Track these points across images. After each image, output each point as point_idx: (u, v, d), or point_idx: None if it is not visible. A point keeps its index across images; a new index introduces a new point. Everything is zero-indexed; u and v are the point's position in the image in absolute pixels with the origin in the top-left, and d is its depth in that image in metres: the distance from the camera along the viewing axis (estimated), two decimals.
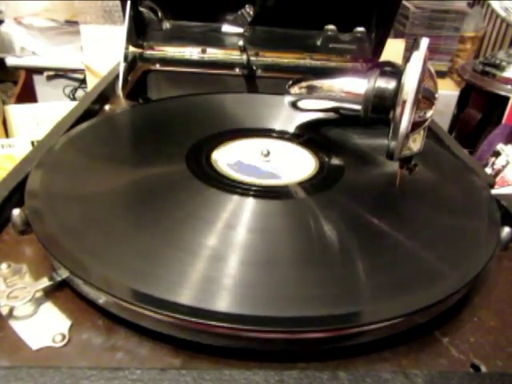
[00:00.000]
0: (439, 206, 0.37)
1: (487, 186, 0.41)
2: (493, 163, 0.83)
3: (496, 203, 0.38)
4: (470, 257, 0.31)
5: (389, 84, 0.38)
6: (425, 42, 0.34)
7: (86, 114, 0.50)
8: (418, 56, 0.33)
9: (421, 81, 0.33)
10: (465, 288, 0.28)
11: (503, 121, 0.91)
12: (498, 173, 0.80)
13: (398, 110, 0.34)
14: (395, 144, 0.35)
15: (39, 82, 1.14)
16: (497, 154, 0.83)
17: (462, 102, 1.09)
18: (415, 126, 0.35)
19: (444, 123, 1.07)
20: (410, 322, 0.26)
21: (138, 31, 0.61)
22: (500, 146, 0.83)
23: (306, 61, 0.63)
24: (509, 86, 0.96)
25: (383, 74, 0.39)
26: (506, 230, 0.35)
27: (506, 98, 0.92)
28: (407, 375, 0.22)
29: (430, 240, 0.32)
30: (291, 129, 0.48)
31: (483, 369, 0.25)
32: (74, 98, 1.12)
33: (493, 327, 0.28)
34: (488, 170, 0.79)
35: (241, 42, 0.60)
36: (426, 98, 0.35)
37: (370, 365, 0.25)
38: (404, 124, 0.34)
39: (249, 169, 0.39)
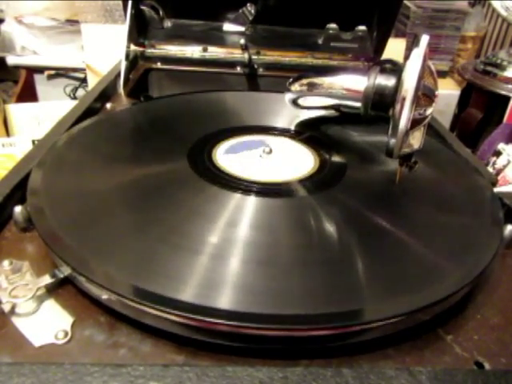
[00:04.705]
0: (442, 204, 0.37)
1: (490, 184, 0.40)
2: (494, 163, 0.83)
3: (499, 201, 0.38)
4: (473, 254, 0.31)
5: (389, 81, 0.38)
6: (425, 39, 0.34)
7: (88, 112, 0.50)
8: (418, 53, 0.33)
9: (420, 78, 0.33)
10: (468, 286, 0.28)
11: (504, 120, 0.91)
12: (498, 172, 0.80)
13: (398, 107, 0.34)
14: (395, 141, 0.35)
15: (40, 81, 1.14)
16: (498, 154, 0.83)
17: (463, 101, 1.09)
18: (415, 123, 0.34)
19: (445, 123, 1.07)
20: (413, 319, 0.26)
21: (140, 30, 0.61)
22: (501, 146, 0.83)
23: (308, 59, 0.63)
24: (510, 86, 0.96)
25: (383, 71, 0.39)
26: (509, 227, 0.35)
27: (507, 98, 0.92)
28: (411, 372, 0.22)
29: (433, 238, 0.32)
30: (293, 126, 0.48)
31: (487, 366, 0.25)
32: (74, 97, 1.12)
33: (496, 325, 0.28)
34: (489, 170, 0.79)
35: (242, 41, 0.60)
36: (425, 95, 0.35)
37: (373, 362, 0.25)
38: (403, 121, 0.34)
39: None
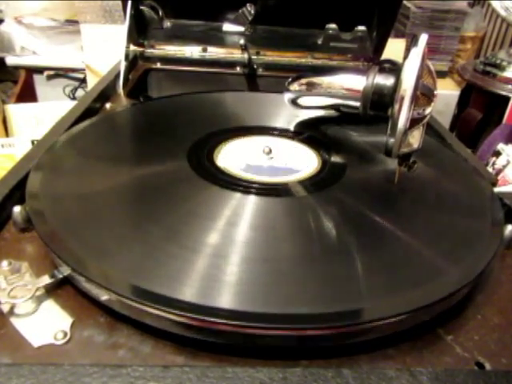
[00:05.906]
0: (442, 204, 0.37)
1: (490, 185, 0.40)
2: (493, 163, 0.83)
3: (499, 201, 0.38)
4: (473, 254, 0.31)
5: (387, 81, 0.38)
6: (423, 39, 0.34)
7: (87, 113, 0.50)
8: (417, 52, 0.33)
9: (419, 77, 0.33)
10: (468, 286, 0.28)
11: (504, 120, 0.91)
12: (498, 172, 0.80)
13: (396, 106, 0.34)
14: (393, 141, 0.35)
15: (39, 81, 1.14)
16: (497, 154, 0.83)
17: (463, 101, 1.09)
18: (414, 122, 0.34)
19: (444, 123, 1.06)
20: (413, 319, 0.26)
21: (139, 30, 0.61)
22: (500, 146, 0.83)
23: (308, 59, 0.63)
24: (509, 86, 0.96)
25: (382, 70, 0.39)
26: (509, 228, 0.35)
27: (507, 98, 0.92)
28: (412, 373, 0.22)
29: (433, 238, 0.32)
30: (292, 127, 0.48)
31: (487, 366, 0.25)
32: (74, 98, 1.12)
33: (497, 325, 0.28)
34: (489, 170, 0.79)
35: (242, 41, 0.60)
36: (424, 94, 0.35)
37: (373, 362, 0.25)
38: (402, 121, 0.34)
39: (251, 166, 0.39)
